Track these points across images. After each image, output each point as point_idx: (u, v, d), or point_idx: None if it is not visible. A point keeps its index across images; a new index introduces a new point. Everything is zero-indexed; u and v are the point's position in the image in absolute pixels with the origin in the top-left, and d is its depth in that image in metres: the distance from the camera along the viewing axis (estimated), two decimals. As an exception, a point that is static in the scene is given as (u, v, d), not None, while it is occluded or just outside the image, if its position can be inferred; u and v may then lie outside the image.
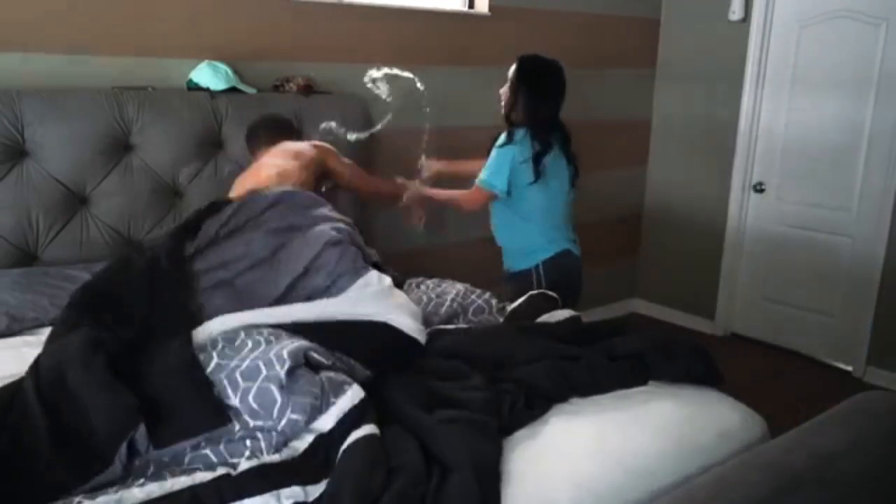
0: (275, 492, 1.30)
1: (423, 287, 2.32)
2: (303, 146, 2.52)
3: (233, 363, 1.50)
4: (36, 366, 1.49)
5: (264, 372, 1.46)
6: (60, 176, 2.34)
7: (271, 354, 1.50)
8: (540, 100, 2.60)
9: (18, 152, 2.30)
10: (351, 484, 1.30)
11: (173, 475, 1.34)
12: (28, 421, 1.36)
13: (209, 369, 1.49)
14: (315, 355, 1.58)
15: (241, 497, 1.29)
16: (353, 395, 1.52)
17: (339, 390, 1.52)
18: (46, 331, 2.04)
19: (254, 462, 1.38)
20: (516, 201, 2.62)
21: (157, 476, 1.34)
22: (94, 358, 1.45)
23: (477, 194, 2.61)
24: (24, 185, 2.29)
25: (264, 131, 2.55)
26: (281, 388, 1.44)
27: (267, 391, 1.44)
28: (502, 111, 2.67)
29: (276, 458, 1.40)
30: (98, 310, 1.72)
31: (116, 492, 1.28)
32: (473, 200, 2.64)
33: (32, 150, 2.30)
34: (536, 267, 2.64)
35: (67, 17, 2.42)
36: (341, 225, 1.96)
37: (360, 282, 1.79)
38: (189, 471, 1.35)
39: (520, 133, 2.57)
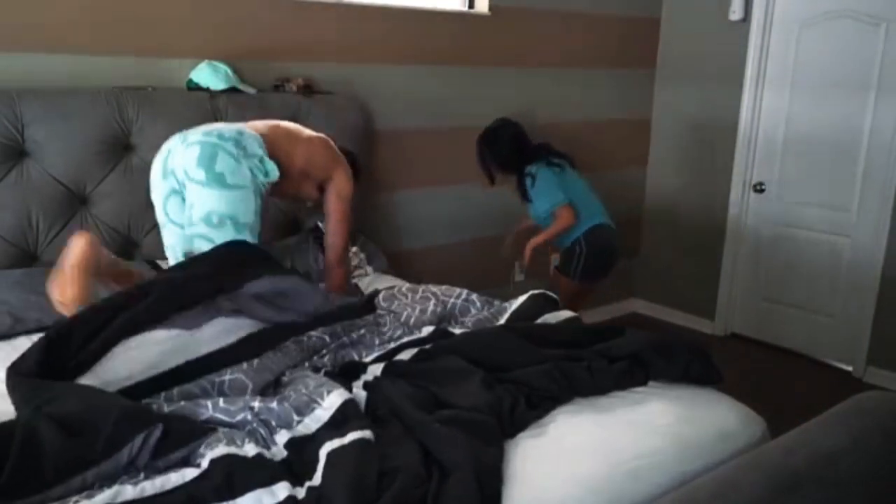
0: (267, 488, 1.31)
1: (400, 298, 2.25)
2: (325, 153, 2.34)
3: None
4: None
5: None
6: (60, 176, 2.34)
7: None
8: (512, 146, 3.26)
9: (18, 152, 2.30)
10: (344, 483, 1.30)
11: (163, 473, 1.36)
12: (34, 428, 1.37)
13: None
14: None
15: (234, 496, 1.30)
16: (334, 399, 1.57)
17: (320, 394, 1.58)
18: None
19: (234, 451, 1.40)
20: (557, 190, 3.21)
21: (148, 474, 1.37)
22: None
23: (566, 212, 3.16)
24: (24, 185, 2.29)
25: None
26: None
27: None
28: (493, 173, 3.31)
29: (262, 455, 1.42)
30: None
31: (111, 486, 1.30)
32: (570, 219, 3.17)
33: (32, 150, 2.31)
34: (578, 239, 3.22)
35: (68, 17, 2.42)
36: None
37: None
38: (176, 467, 1.38)
39: (531, 168, 3.21)
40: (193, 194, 2.03)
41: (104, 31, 2.50)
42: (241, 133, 2.10)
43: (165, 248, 2.20)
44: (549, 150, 3.30)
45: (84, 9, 2.45)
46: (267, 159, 2.11)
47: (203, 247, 2.01)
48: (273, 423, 1.53)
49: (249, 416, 1.53)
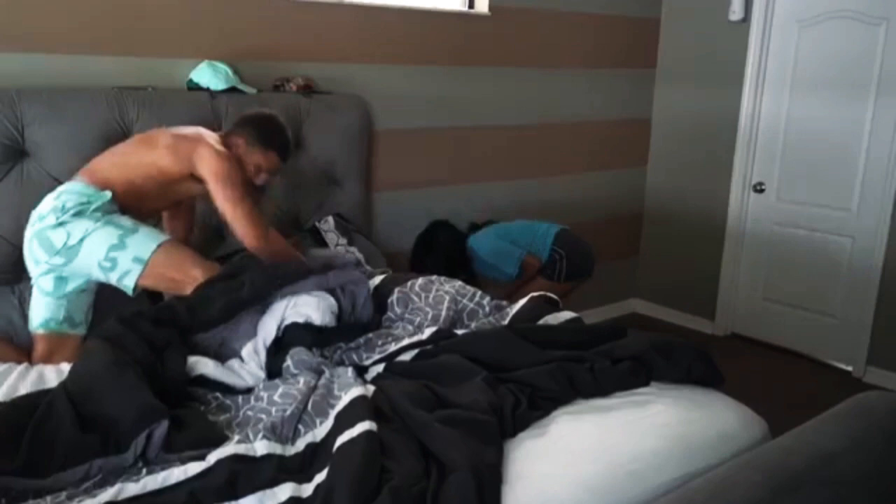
0: (269, 490, 1.31)
1: (413, 298, 2.21)
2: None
3: None
4: (65, 380, 1.59)
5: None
6: (60, 176, 2.33)
7: None
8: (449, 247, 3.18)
9: (18, 152, 2.30)
10: (347, 479, 1.30)
11: (165, 467, 1.37)
12: (53, 411, 1.43)
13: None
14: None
15: (237, 497, 1.29)
16: (350, 394, 1.60)
17: (335, 399, 1.62)
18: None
19: (241, 451, 1.41)
20: (511, 245, 3.19)
21: (151, 468, 1.38)
22: (122, 369, 1.55)
23: (530, 259, 3.14)
24: (24, 185, 2.29)
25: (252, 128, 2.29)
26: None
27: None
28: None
29: (268, 453, 1.42)
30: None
31: (114, 484, 1.31)
32: (536, 262, 3.15)
33: (32, 150, 2.30)
34: (551, 248, 3.17)
35: (67, 17, 2.42)
36: None
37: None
38: (180, 461, 1.39)
39: (476, 247, 3.17)
40: (74, 271, 2.06)
41: (104, 31, 2.50)
42: (57, 196, 2.08)
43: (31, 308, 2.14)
44: (475, 229, 3.29)
45: (84, 9, 2.45)
46: (91, 192, 2.09)
47: (132, 279, 2.02)
48: (301, 428, 1.56)
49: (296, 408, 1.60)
